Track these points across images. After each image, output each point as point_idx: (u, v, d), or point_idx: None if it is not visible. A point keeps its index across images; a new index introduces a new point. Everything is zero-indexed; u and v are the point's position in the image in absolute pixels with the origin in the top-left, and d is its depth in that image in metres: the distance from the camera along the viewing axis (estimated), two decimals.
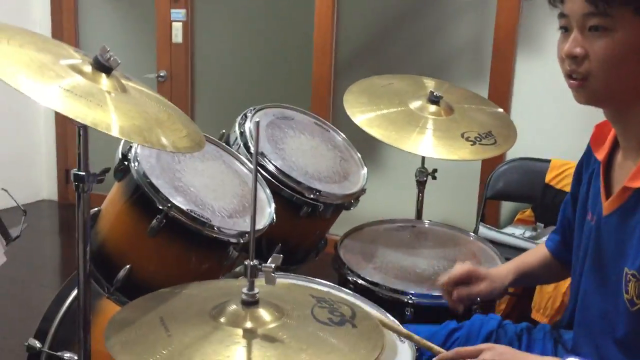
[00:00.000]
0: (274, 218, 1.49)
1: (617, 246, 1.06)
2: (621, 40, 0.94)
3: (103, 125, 0.95)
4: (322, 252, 1.95)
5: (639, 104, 0.99)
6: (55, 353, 1.41)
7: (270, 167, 1.64)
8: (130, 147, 1.37)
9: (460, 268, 1.33)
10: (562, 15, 1.01)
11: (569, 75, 1.01)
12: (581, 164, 1.25)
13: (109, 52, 1.06)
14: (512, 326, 1.36)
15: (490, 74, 2.76)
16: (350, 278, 1.64)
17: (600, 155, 1.14)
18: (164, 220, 1.29)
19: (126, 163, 1.36)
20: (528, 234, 2.47)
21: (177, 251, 1.38)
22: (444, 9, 2.94)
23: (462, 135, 1.87)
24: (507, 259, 1.79)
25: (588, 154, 1.22)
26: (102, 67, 1.06)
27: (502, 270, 1.36)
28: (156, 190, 1.30)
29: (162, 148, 1.07)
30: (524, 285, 2.17)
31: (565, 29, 1.01)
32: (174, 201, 1.30)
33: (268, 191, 1.56)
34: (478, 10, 2.84)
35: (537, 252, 1.41)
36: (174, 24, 3.39)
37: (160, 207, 1.29)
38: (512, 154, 2.63)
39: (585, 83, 0.99)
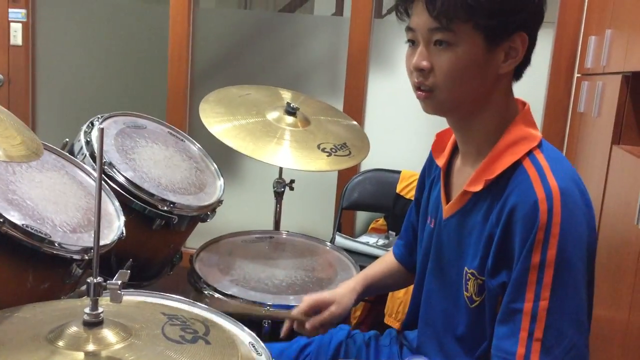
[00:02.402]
0: (124, 232, 1.41)
1: (457, 247, 1.12)
2: (463, 54, 1.00)
3: None
4: (177, 266, 1.88)
5: (480, 113, 1.06)
6: None
7: (120, 178, 1.55)
8: None
9: (305, 301, 1.31)
10: (409, 29, 1.05)
11: (417, 87, 1.06)
12: (424, 171, 1.32)
13: None
14: (361, 335, 1.39)
15: (345, 88, 2.85)
16: (206, 292, 1.59)
17: (441, 161, 1.20)
18: None
19: None
20: (381, 242, 2.57)
21: (12, 270, 1.25)
22: (300, 24, 2.99)
23: (319, 147, 1.91)
24: (362, 267, 1.85)
25: (430, 161, 1.29)
26: None
27: (349, 285, 1.36)
28: None
29: None
30: (375, 294, 2.24)
31: (413, 43, 1.06)
32: (6, 215, 1.17)
33: (117, 203, 1.47)
34: (333, 26, 2.92)
35: (384, 260, 1.46)
36: (12, 24, 3.11)
37: None
38: (366, 165, 2.73)
39: (431, 95, 1.04)
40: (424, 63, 1.02)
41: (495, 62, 1.01)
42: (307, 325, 1.30)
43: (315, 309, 1.30)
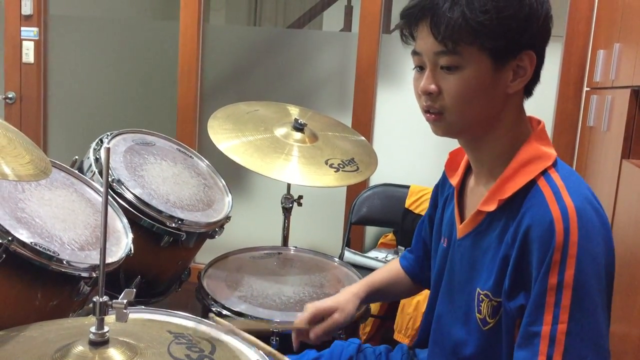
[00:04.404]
0: (132, 249, 1.41)
1: (470, 268, 1.11)
2: (470, 76, 0.99)
3: None
4: (185, 283, 1.88)
5: (490, 133, 1.05)
6: None
7: (128, 195, 1.56)
8: None
9: (307, 310, 1.31)
10: (415, 53, 1.05)
11: (426, 110, 1.05)
12: (437, 189, 1.31)
13: None
14: (372, 349, 1.38)
15: (354, 103, 2.85)
16: (213, 309, 1.58)
17: (454, 181, 1.20)
18: (4, 255, 1.17)
19: None
20: (390, 257, 2.56)
21: (20, 288, 1.26)
22: (309, 40, 3.01)
23: (326, 162, 1.91)
24: None
25: (443, 180, 1.28)
26: None
27: (352, 291, 1.36)
28: None
29: (1, 177, 0.97)
30: (377, 301, 2.22)
31: (420, 67, 1.05)
32: (15, 234, 1.18)
33: (125, 220, 1.47)
34: (342, 42, 2.94)
35: (389, 268, 1.44)
36: (24, 42, 3.16)
37: None
38: (375, 180, 2.73)
39: (441, 117, 1.03)
40: (432, 87, 1.01)
41: (503, 82, 1.01)
42: (311, 334, 1.30)
43: (318, 318, 1.30)
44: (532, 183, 1.01)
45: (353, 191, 2.80)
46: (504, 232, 1.02)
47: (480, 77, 0.99)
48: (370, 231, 2.97)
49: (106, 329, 0.89)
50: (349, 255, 2.46)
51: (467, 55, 0.98)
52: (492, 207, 1.04)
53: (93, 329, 0.88)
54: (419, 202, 2.54)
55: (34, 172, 1.05)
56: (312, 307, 1.31)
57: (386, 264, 1.47)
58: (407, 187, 2.62)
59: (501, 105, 1.03)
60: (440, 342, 1.19)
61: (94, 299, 0.88)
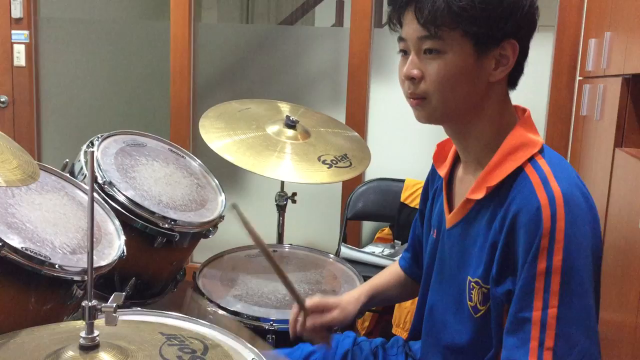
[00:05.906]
0: (125, 251, 1.41)
1: (460, 256, 1.11)
2: (452, 61, 1.00)
3: None
4: (181, 282, 1.88)
5: (476, 121, 1.06)
6: None
7: (120, 197, 1.55)
8: None
9: (309, 301, 1.32)
10: (400, 39, 1.06)
11: (409, 96, 1.06)
12: (427, 182, 1.31)
13: None
14: (367, 343, 1.38)
15: (347, 98, 2.84)
16: (209, 308, 1.58)
17: (443, 171, 1.20)
18: None
19: None
20: (387, 251, 2.55)
21: (13, 294, 1.26)
22: (301, 36, 3.00)
23: (319, 159, 1.90)
24: (366, 277, 1.84)
25: (432, 172, 1.28)
26: None
27: (354, 295, 1.37)
28: None
29: None
30: (380, 305, 2.22)
31: (405, 52, 1.06)
32: (5, 239, 1.18)
33: (117, 222, 1.47)
34: (334, 37, 2.93)
35: (390, 270, 1.45)
36: (15, 45, 3.14)
37: None
38: (370, 175, 2.72)
39: (423, 102, 1.04)
40: (415, 71, 1.02)
41: (485, 69, 1.01)
42: (308, 323, 1.30)
43: (319, 310, 1.31)
44: (520, 170, 1.01)
45: (348, 186, 2.79)
46: (492, 219, 1.02)
47: (462, 63, 1.00)
48: (367, 226, 2.96)
49: (96, 333, 0.88)
50: (345, 250, 2.46)
51: (449, 40, 0.99)
52: (480, 195, 1.04)
53: (83, 334, 0.88)
54: (414, 196, 2.53)
55: (21, 177, 1.04)
56: (314, 299, 1.32)
57: (388, 267, 1.47)
58: (402, 181, 2.62)
59: (484, 93, 1.03)
60: (434, 332, 1.19)
61: (83, 304, 0.88)
